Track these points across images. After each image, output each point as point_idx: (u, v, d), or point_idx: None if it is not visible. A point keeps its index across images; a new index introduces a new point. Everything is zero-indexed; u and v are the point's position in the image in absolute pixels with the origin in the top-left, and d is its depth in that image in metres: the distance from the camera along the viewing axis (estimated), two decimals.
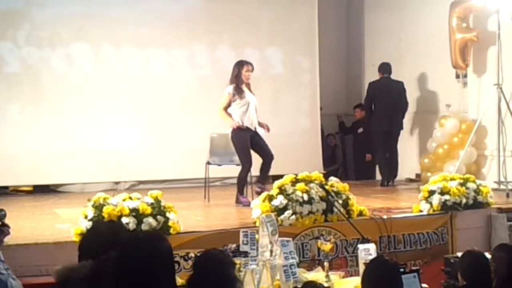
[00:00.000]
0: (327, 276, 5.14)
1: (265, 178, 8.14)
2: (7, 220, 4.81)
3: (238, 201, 8.04)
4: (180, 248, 5.70)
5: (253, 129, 8.13)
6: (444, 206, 7.03)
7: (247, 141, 8.09)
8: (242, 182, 8.15)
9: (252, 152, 8.16)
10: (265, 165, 8.07)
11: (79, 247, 3.81)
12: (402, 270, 4.43)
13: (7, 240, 5.31)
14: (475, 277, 4.33)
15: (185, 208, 7.30)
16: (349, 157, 12.58)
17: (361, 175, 11.82)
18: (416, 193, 7.72)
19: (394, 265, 4.06)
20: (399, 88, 10.29)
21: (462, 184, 7.24)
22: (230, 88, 8.08)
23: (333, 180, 6.79)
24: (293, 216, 6.28)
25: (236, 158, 8.56)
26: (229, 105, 8.09)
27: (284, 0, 11.29)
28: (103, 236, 3.76)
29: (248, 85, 8.18)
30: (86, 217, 5.69)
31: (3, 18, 9.71)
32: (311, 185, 6.50)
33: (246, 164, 8.10)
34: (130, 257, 3.16)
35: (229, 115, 8.08)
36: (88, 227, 5.56)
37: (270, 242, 5.12)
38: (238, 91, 8.04)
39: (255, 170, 8.29)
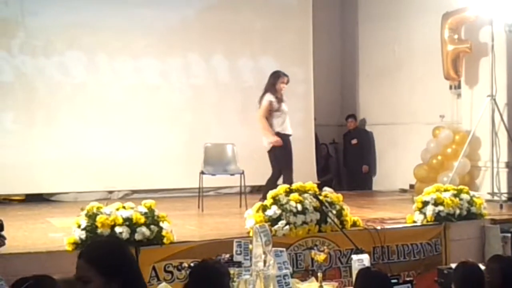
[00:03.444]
0: (321, 286, 5.15)
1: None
2: None
3: None
4: (174, 258, 5.69)
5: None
6: (437, 217, 7.03)
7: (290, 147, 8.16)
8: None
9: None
10: (273, 179, 8.01)
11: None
12: (395, 281, 4.44)
13: (0, 250, 5.31)
14: None
15: (178, 217, 7.28)
16: (342, 167, 12.60)
17: (354, 185, 11.83)
18: (410, 203, 7.71)
19: (384, 275, 4.05)
20: None
21: (455, 195, 7.24)
22: (271, 97, 8.17)
23: (327, 190, 6.79)
24: (287, 226, 6.26)
25: (230, 168, 8.53)
26: (269, 113, 8.14)
27: (279, 10, 11.30)
28: None
29: (281, 96, 8.29)
30: (79, 226, 5.66)
31: None
32: (305, 195, 6.49)
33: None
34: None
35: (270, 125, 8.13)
36: (82, 236, 5.56)
37: (264, 252, 5.12)
38: (278, 101, 8.15)
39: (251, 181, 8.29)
